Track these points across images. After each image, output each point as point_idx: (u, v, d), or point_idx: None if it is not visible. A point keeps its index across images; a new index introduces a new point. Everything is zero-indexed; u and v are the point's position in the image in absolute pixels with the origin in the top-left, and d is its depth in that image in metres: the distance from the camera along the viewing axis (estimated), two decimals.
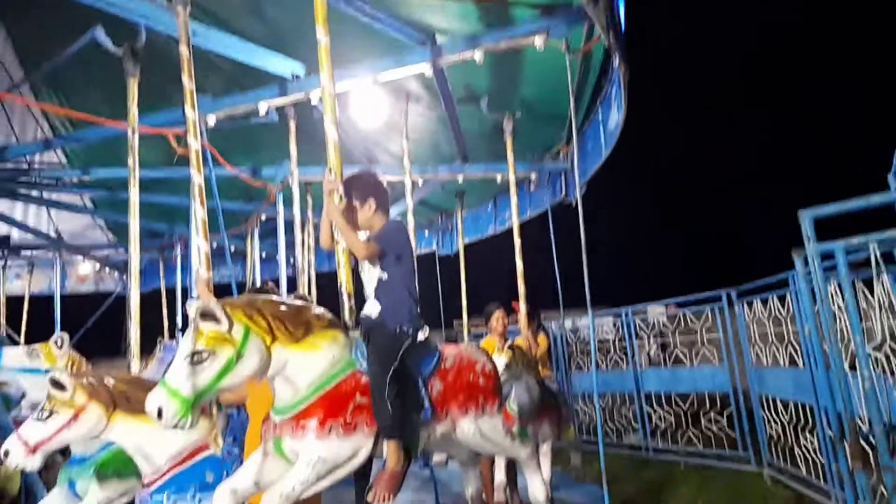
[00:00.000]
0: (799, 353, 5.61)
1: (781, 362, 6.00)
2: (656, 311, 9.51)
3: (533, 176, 7.77)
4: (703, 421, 7.69)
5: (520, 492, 5.48)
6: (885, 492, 2.88)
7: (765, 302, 6.25)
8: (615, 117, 6.16)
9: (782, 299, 5.86)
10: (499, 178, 7.81)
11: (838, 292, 4.54)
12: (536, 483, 3.48)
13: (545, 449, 5.03)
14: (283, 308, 2.55)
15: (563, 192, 7.83)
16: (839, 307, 4.60)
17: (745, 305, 6.74)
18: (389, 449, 2.68)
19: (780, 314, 5.90)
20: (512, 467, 5.36)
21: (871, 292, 3.55)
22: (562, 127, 7.06)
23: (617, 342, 9.19)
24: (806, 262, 4.37)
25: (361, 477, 2.75)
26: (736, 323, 7.11)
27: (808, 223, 3.05)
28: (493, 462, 5.18)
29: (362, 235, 2.95)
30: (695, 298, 7.91)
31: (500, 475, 5.14)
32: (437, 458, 6.47)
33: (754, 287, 6.54)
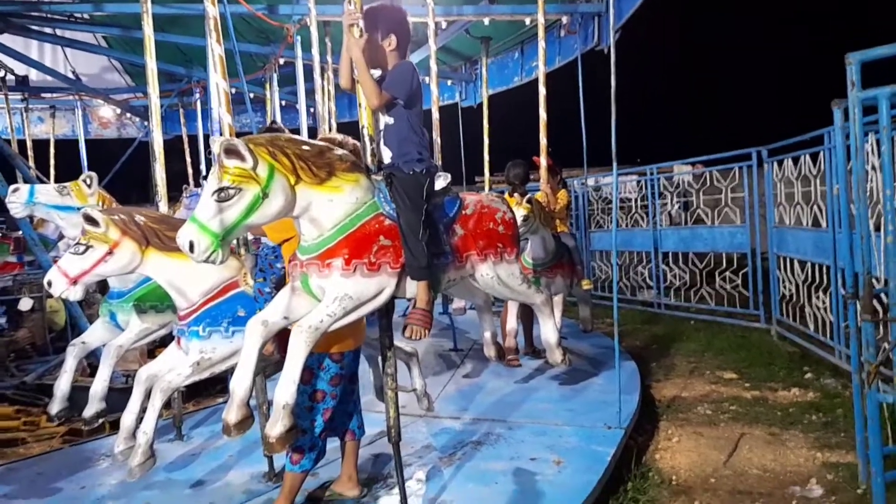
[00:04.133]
0: (823, 213, 5.58)
1: (805, 223, 5.99)
2: (682, 171, 9.36)
3: (564, 19, 7.32)
4: (717, 280, 7.85)
5: (534, 340, 5.77)
6: (888, 345, 2.95)
7: (796, 161, 6.12)
8: None
9: (814, 158, 5.74)
10: (527, 20, 7.36)
11: (875, 150, 4.42)
12: (549, 327, 3.63)
13: (557, 300, 5.20)
14: (305, 148, 2.52)
15: (596, 39, 7.39)
16: (873, 166, 4.49)
17: (775, 164, 6.61)
18: (420, 289, 2.77)
19: (811, 173, 5.79)
20: (528, 317, 5.59)
21: None
22: None
23: (639, 201, 9.17)
24: (846, 116, 4.20)
25: (384, 315, 2.86)
26: (763, 182, 7.01)
27: (855, 67, 2.83)
28: None
29: (374, 73, 2.85)
30: (723, 157, 7.75)
31: (511, 322, 5.38)
32: (457, 305, 6.78)
33: (786, 145, 6.37)
